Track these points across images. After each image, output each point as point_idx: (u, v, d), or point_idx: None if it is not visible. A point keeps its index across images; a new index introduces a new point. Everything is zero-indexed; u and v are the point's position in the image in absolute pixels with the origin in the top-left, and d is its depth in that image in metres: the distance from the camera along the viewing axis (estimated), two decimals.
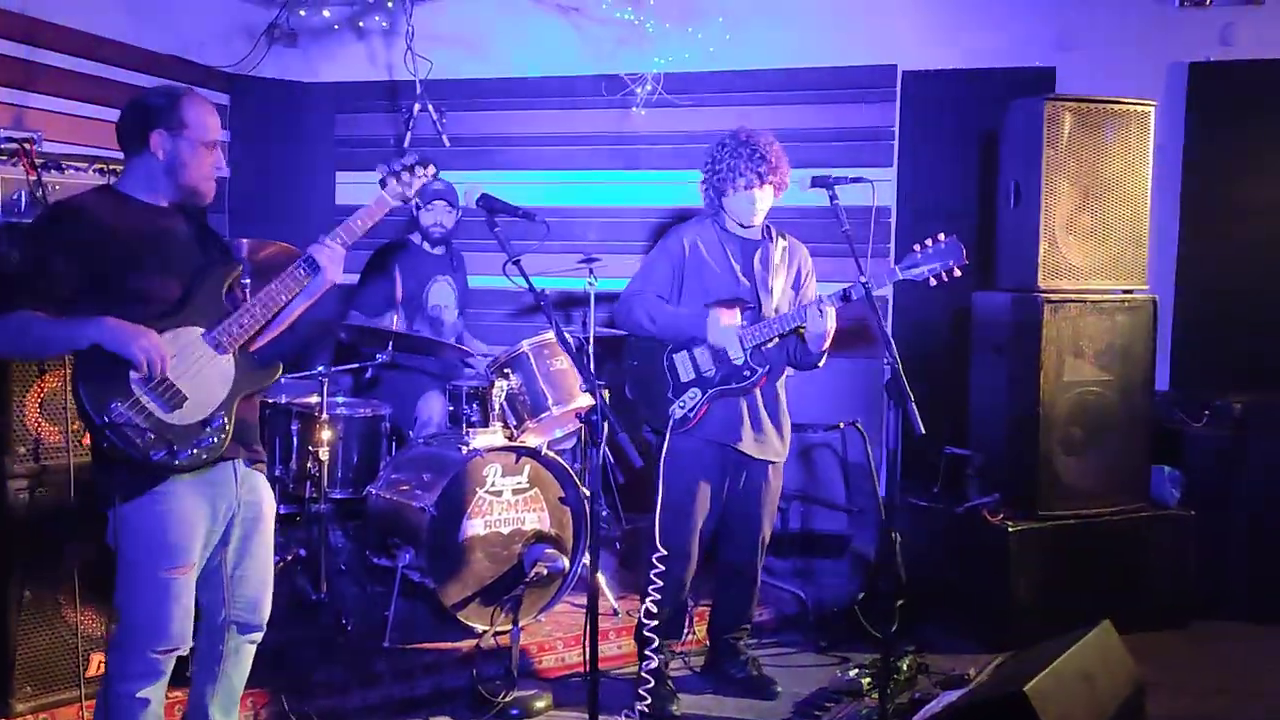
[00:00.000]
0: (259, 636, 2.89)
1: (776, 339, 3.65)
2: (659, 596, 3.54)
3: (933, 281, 3.46)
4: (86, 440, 3.06)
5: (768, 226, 3.78)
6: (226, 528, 2.77)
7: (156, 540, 2.60)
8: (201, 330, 2.67)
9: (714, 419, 3.64)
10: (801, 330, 3.57)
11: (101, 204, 2.66)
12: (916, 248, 3.47)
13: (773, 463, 3.74)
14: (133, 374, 2.55)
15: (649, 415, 3.68)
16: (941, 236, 3.46)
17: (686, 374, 3.65)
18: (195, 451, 2.60)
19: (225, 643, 2.83)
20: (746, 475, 3.72)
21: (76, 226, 2.59)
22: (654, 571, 3.51)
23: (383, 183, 2.91)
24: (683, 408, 3.61)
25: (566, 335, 2.82)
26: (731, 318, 3.60)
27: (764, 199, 3.64)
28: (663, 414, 3.62)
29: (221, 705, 2.88)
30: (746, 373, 3.62)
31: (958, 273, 3.46)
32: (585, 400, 4.11)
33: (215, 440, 2.64)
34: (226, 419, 2.66)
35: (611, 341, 4.73)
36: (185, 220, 2.78)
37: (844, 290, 3.48)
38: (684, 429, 3.62)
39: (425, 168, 2.92)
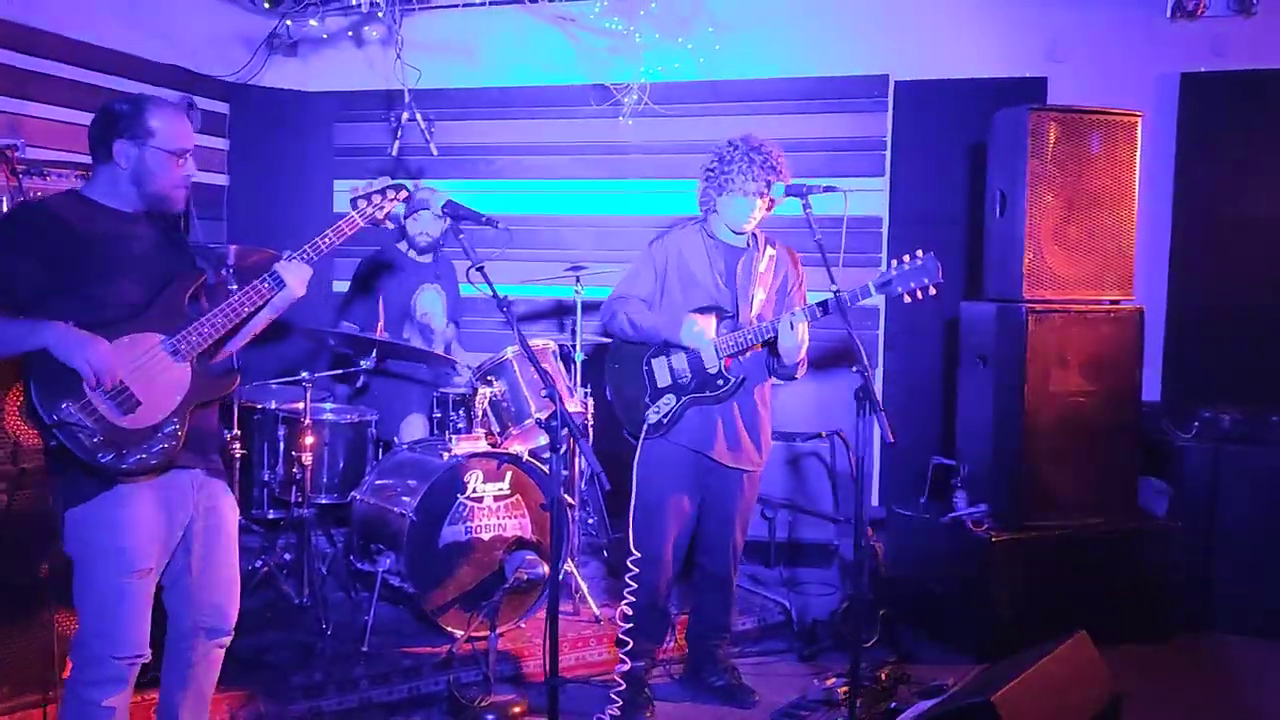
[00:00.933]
0: (227, 641, 2.91)
1: (757, 347, 3.65)
2: (633, 599, 3.54)
3: (907, 299, 3.45)
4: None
5: (755, 234, 3.78)
6: (187, 534, 2.78)
7: (111, 545, 2.61)
8: (161, 337, 2.68)
9: (689, 426, 3.65)
10: (773, 341, 3.58)
11: (65, 207, 2.67)
12: (893, 263, 3.47)
13: (748, 471, 3.74)
14: None
15: (626, 419, 3.69)
16: (919, 253, 3.45)
17: (663, 379, 3.66)
18: (143, 457, 2.62)
19: (194, 649, 2.85)
20: (720, 483, 3.72)
21: (36, 227, 2.61)
22: (628, 575, 3.52)
23: (353, 203, 2.95)
24: (657, 413, 3.62)
25: (528, 341, 2.84)
26: (707, 323, 3.60)
27: (762, 208, 3.63)
28: (638, 418, 3.64)
29: (192, 710, 2.89)
30: (721, 381, 3.62)
31: (933, 291, 3.44)
32: (570, 406, 4.13)
33: (165, 446, 2.65)
34: (179, 426, 2.68)
35: (604, 348, 4.74)
36: (152, 227, 2.78)
37: (821, 302, 3.48)
38: (658, 434, 3.63)
39: (397, 192, 2.95)
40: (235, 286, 4.15)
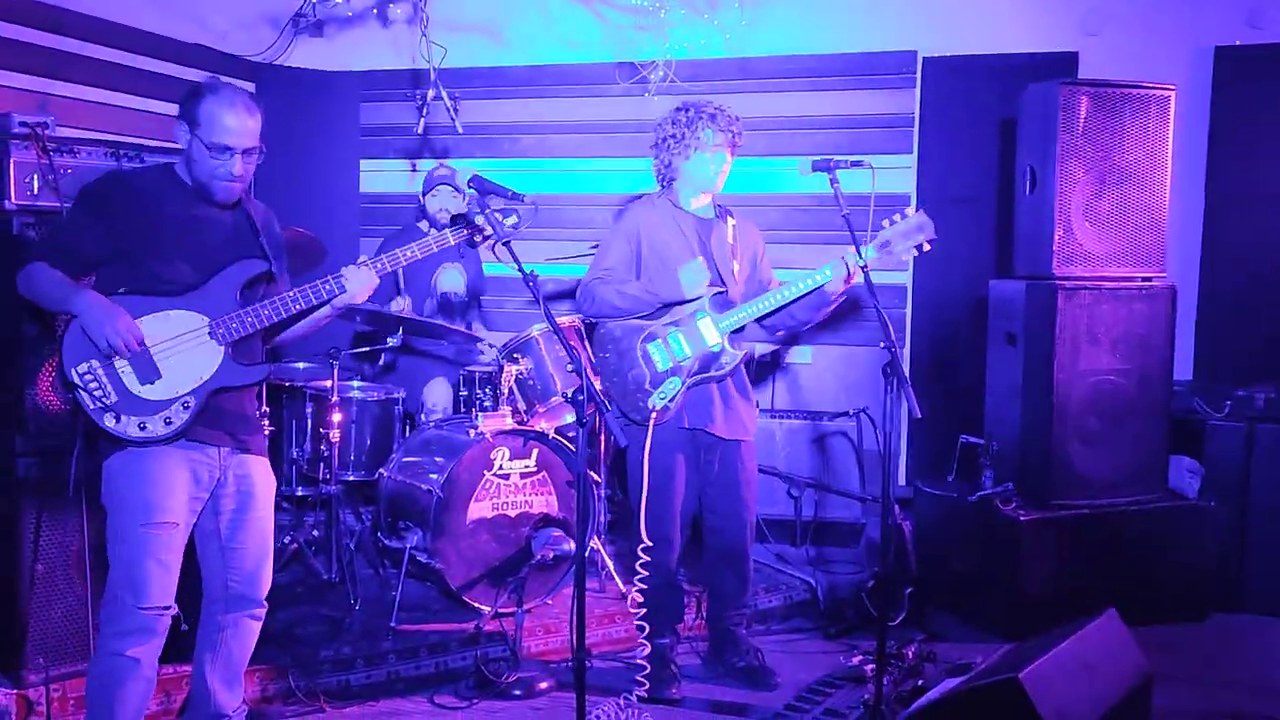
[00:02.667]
0: (261, 612, 2.95)
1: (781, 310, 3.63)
2: (645, 586, 3.54)
3: (905, 258, 3.46)
4: None
5: (714, 205, 3.75)
6: (216, 498, 2.83)
7: (136, 496, 2.69)
8: (205, 318, 2.74)
9: (688, 405, 3.61)
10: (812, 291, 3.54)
11: (151, 181, 2.79)
12: (886, 224, 3.45)
13: (745, 441, 3.72)
14: None
15: (627, 406, 3.61)
16: (909, 211, 3.45)
17: (663, 362, 3.59)
18: (148, 426, 2.67)
19: (224, 614, 2.89)
20: (721, 457, 3.70)
21: (117, 199, 2.72)
22: (639, 563, 3.50)
23: (453, 220, 2.94)
24: (663, 397, 3.56)
25: (555, 316, 2.83)
26: (699, 268, 3.54)
27: (728, 165, 3.62)
28: (640, 405, 3.57)
29: (222, 678, 2.93)
30: (726, 359, 3.60)
31: (926, 246, 3.46)
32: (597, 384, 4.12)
33: (172, 421, 2.70)
34: (191, 403, 2.72)
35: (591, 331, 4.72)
36: (231, 211, 2.84)
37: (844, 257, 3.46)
38: (665, 419, 3.58)
39: (508, 217, 2.91)
40: None
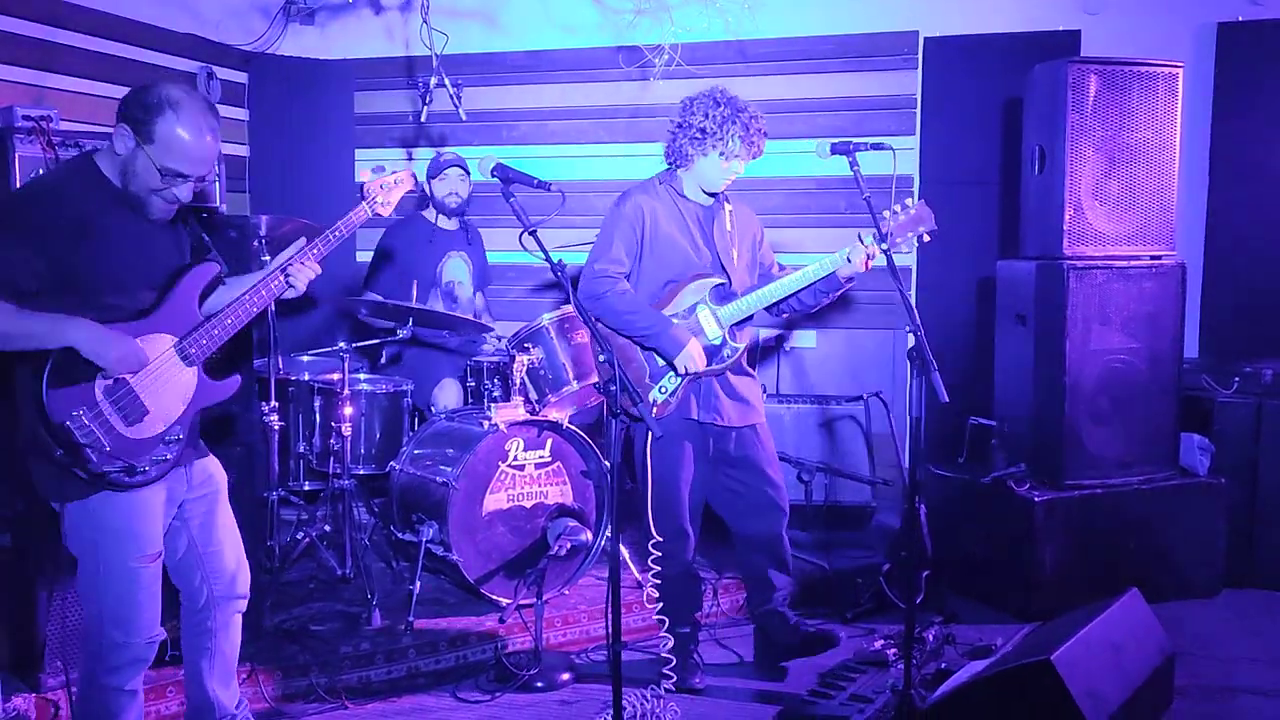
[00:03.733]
0: (243, 604, 2.89)
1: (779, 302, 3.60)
2: (659, 582, 3.50)
3: (905, 249, 3.44)
4: None
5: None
6: (182, 509, 2.74)
7: (122, 530, 2.54)
8: (173, 339, 2.58)
9: (692, 398, 3.56)
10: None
11: (80, 187, 2.49)
12: (885, 214, 3.41)
13: (758, 423, 3.67)
14: (99, 381, 2.44)
15: (627, 403, 3.52)
16: (909, 201, 3.44)
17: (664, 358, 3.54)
18: (146, 468, 2.51)
19: (214, 618, 2.83)
20: (736, 443, 3.65)
21: (47, 213, 2.42)
22: (651, 559, 3.46)
23: (364, 192, 2.86)
24: (663, 392, 3.52)
25: (561, 306, 2.80)
26: (698, 351, 3.49)
27: (736, 175, 3.55)
28: (642, 400, 3.49)
29: (220, 678, 2.89)
30: (727, 352, 3.56)
31: (926, 238, 3.46)
32: None
33: (168, 456, 2.56)
34: (181, 434, 2.59)
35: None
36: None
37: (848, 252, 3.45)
38: (665, 413, 3.53)
39: (409, 180, 2.90)
40: (268, 257, 4.13)
